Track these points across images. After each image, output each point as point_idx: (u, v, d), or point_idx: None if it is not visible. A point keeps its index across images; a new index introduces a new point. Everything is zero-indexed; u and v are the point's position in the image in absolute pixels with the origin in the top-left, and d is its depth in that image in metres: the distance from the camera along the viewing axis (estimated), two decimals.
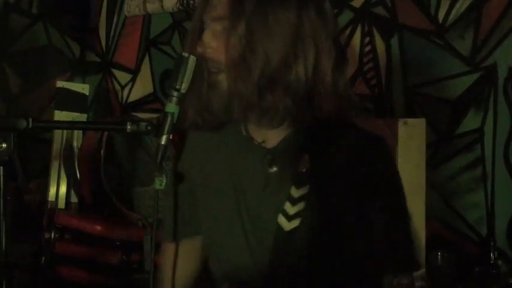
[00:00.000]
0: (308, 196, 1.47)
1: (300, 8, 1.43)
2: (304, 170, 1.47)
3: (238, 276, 1.57)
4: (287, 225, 1.47)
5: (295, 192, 1.47)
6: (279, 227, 1.48)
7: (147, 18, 4.53)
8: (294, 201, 1.47)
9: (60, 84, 4.29)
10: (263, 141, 1.54)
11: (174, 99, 1.58)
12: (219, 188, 1.59)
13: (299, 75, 1.42)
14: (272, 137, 1.53)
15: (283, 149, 1.52)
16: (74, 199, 4.13)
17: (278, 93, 1.42)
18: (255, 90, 1.42)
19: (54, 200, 4.08)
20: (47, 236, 3.82)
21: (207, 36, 1.49)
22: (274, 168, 1.50)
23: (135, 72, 4.63)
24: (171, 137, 1.58)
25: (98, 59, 4.90)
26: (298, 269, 1.47)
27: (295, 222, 1.47)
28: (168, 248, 1.76)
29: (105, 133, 3.64)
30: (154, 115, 4.35)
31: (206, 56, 1.49)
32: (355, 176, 1.46)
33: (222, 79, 1.48)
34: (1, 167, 1.46)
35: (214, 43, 1.48)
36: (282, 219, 1.48)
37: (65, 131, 4.16)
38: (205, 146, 1.66)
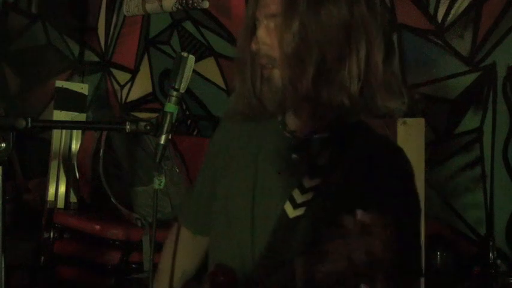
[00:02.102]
0: (318, 188, 1.48)
1: (351, 3, 1.45)
2: (321, 164, 1.48)
3: (232, 259, 1.58)
4: (291, 212, 1.49)
5: (306, 182, 1.49)
6: (284, 213, 1.49)
7: (146, 18, 4.53)
8: (303, 190, 1.49)
9: (59, 83, 4.29)
10: (295, 130, 1.56)
11: (173, 98, 1.58)
12: (240, 168, 1.61)
13: (352, 69, 1.43)
14: (305, 127, 1.55)
15: (309, 140, 1.54)
16: (73, 199, 4.13)
17: (333, 88, 1.43)
18: (311, 86, 1.43)
19: (53, 199, 4.08)
20: (46, 235, 3.83)
21: (261, 33, 1.50)
22: (294, 156, 1.52)
23: (134, 72, 4.64)
24: (170, 137, 1.58)
25: (97, 59, 4.90)
26: (291, 257, 1.47)
27: (300, 211, 1.48)
28: (184, 234, 1.80)
29: (104, 133, 3.64)
30: (154, 115, 4.35)
31: (261, 52, 1.50)
32: (368, 184, 1.45)
33: (276, 74, 1.49)
34: (0, 167, 1.46)
35: (269, 40, 1.49)
36: (288, 205, 1.49)
37: (64, 130, 4.16)
38: (235, 133, 1.67)
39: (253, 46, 1.51)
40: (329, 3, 1.43)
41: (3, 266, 1.45)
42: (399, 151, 1.55)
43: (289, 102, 1.48)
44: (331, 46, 1.43)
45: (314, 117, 1.51)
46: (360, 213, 1.13)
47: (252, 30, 1.52)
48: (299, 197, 1.49)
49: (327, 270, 1.08)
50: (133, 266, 3.38)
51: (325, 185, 1.47)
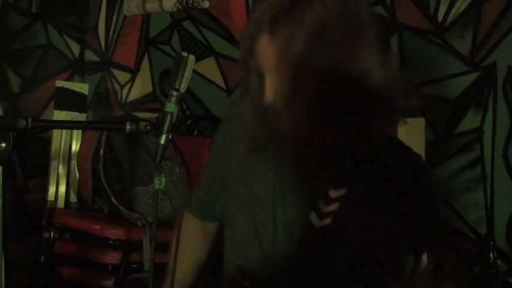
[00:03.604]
0: (343, 198, 1.47)
1: (342, 44, 1.40)
2: (344, 172, 1.46)
3: (249, 264, 1.59)
4: (318, 223, 1.48)
5: (332, 193, 1.47)
6: (309, 222, 1.49)
7: (147, 18, 4.53)
8: (329, 201, 1.48)
9: (59, 83, 4.29)
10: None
11: (174, 98, 1.58)
12: (260, 175, 1.60)
13: (356, 92, 1.40)
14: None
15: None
16: (73, 199, 4.13)
17: (335, 123, 1.40)
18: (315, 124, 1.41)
19: (53, 199, 4.08)
20: (46, 235, 3.82)
21: (268, 92, 1.46)
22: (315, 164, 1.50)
23: (134, 72, 4.64)
24: (170, 137, 1.58)
25: (97, 59, 4.90)
26: (320, 264, 1.49)
27: (327, 221, 1.47)
28: (191, 221, 1.83)
29: (105, 133, 3.64)
30: (154, 114, 4.35)
31: (276, 103, 1.47)
32: (392, 192, 1.45)
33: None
34: (0, 167, 1.46)
35: (277, 93, 1.46)
36: (313, 216, 1.48)
37: (64, 130, 4.16)
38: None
39: (267, 100, 1.47)
40: (324, 49, 1.39)
41: (3, 265, 1.45)
42: (419, 160, 1.55)
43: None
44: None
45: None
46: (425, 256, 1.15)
47: (259, 83, 1.48)
48: (324, 207, 1.47)
49: None
50: (134, 265, 3.38)
51: (350, 196, 1.46)
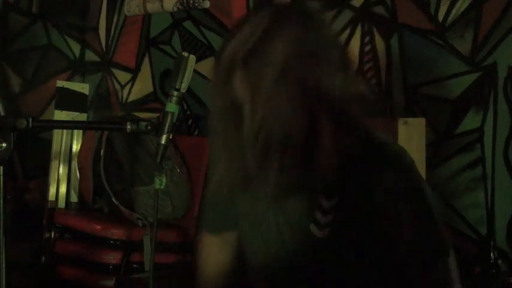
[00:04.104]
0: (336, 208, 1.52)
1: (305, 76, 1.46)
2: (333, 184, 1.50)
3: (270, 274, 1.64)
4: (318, 233, 1.53)
5: (325, 203, 1.52)
6: (312, 234, 1.53)
7: (147, 18, 4.53)
8: (324, 212, 1.52)
9: (60, 83, 4.29)
10: None
11: (174, 98, 1.59)
12: (258, 190, 1.62)
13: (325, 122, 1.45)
14: None
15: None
16: (74, 199, 4.13)
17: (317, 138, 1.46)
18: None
19: (54, 199, 4.08)
20: (47, 235, 3.83)
21: (248, 120, 1.50)
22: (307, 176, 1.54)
23: (135, 72, 4.64)
24: (170, 137, 1.58)
25: (97, 59, 4.90)
26: (324, 272, 1.55)
27: (326, 231, 1.52)
28: (207, 239, 1.82)
29: (105, 133, 3.64)
30: (154, 114, 4.35)
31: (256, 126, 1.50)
32: (377, 192, 1.50)
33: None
34: (1, 167, 1.46)
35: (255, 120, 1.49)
36: (313, 228, 1.53)
37: (64, 130, 4.16)
38: None
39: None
40: (284, 91, 1.44)
41: (3, 265, 1.45)
42: (400, 156, 1.56)
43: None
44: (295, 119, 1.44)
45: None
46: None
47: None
48: (322, 218, 1.52)
49: None
50: (135, 266, 3.38)
51: (342, 205, 1.51)
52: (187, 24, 4.28)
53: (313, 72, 1.44)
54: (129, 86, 4.68)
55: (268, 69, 1.43)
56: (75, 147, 4.16)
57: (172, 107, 1.58)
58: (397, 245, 1.50)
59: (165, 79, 4.44)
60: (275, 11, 1.49)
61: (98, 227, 3.50)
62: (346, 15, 3.49)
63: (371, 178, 1.50)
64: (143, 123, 1.58)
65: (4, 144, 1.45)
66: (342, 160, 1.46)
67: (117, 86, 4.75)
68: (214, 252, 1.82)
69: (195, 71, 1.65)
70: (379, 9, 3.38)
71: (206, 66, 4.11)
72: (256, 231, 1.65)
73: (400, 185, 1.51)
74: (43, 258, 3.80)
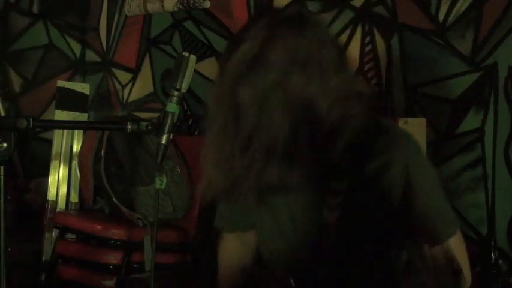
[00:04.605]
0: (346, 191, 1.58)
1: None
2: (340, 164, 1.56)
3: (285, 261, 1.69)
4: (330, 216, 1.58)
5: (335, 185, 1.58)
6: (323, 218, 1.58)
7: (148, 18, 4.53)
8: (334, 194, 1.58)
9: (60, 83, 4.29)
10: None
11: (175, 98, 1.59)
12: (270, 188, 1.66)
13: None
14: None
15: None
16: (74, 199, 4.14)
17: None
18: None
19: (54, 199, 4.08)
20: (47, 235, 3.83)
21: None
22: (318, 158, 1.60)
23: (135, 72, 4.64)
24: (171, 137, 1.58)
25: (98, 59, 4.90)
26: (334, 257, 1.59)
27: (336, 214, 1.57)
28: (227, 239, 1.86)
29: (106, 133, 3.64)
30: (155, 114, 4.35)
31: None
32: (395, 168, 1.58)
33: None
34: (1, 167, 1.46)
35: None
36: (325, 211, 1.58)
37: (65, 130, 4.16)
38: None
39: None
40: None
41: (4, 265, 1.45)
42: (402, 138, 1.65)
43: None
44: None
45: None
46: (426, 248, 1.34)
47: None
48: (332, 200, 1.58)
49: None
50: (135, 266, 3.38)
51: (351, 188, 1.58)
52: (188, 24, 4.29)
53: (307, 78, 1.50)
54: (129, 86, 4.68)
55: (268, 77, 1.49)
56: (76, 147, 4.16)
57: (172, 107, 1.58)
58: (414, 215, 1.60)
59: (165, 79, 4.44)
60: (272, 18, 1.57)
61: (99, 227, 3.50)
62: (347, 15, 3.49)
63: (388, 156, 1.58)
64: (144, 123, 1.58)
65: (5, 144, 1.45)
66: (350, 144, 1.52)
67: (118, 86, 4.75)
68: (234, 252, 1.85)
69: (195, 71, 1.65)
70: (380, 9, 3.38)
71: (207, 66, 4.12)
72: (273, 226, 1.69)
73: (417, 160, 1.62)
74: (43, 258, 3.80)
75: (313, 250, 1.61)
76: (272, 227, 1.70)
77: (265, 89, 1.49)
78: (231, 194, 1.61)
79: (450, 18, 3.14)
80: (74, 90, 4.26)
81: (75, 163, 4.11)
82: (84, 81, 4.79)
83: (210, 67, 4.12)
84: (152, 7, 4.41)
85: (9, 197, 1.49)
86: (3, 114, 4.47)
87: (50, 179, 4.11)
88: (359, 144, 1.55)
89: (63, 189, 4.10)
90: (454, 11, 3.13)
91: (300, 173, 1.52)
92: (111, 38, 4.80)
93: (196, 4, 4.13)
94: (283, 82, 1.49)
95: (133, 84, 4.66)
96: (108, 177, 3.63)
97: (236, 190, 1.58)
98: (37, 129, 4.30)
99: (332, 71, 1.53)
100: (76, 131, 4.18)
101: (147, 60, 4.56)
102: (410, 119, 2.91)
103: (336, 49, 1.59)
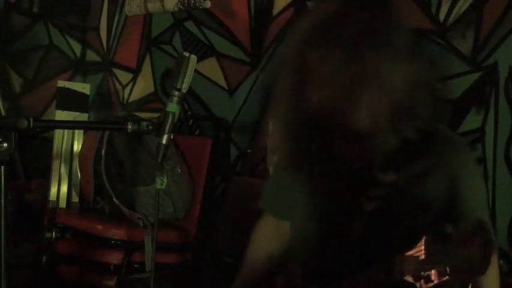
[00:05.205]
0: (393, 185, 1.57)
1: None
2: (394, 161, 1.56)
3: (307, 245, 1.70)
4: (367, 205, 1.58)
5: (381, 177, 1.58)
6: (359, 206, 1.58)
7: (148, 18, 4.53)
8: (378, 185, 1.57)
9: (61, 83, 4.29)
10: None
11: (175, 98, 1.59)
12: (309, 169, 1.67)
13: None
14: None
15: None
16: (75, 198, 4.14)
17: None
18: None
19: (55, 199, 4.08)
20: (47, 235, 3.83)
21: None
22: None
23: (136, 72, 4.64)
24: (171, 137, 1.59)
25: (99, 59, 4.90)
26: (370, 248, 1.58)
27: (375, 204, 1.57)
28: (267, 222, 1.88)
29: (106, 133, 3.64)
30: (155, 114, 4.35)
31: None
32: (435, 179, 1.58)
33: None
34: (2, 167, 1.46)
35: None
36: (362, 199, 1.58)
37: (66, 130, 4.16)
38: None
39: None
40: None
41: (4, 265, 1.45)
42: (457, 143, 1.66)
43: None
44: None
45: None
46: (461, 224, 1.30)
47: None
48: (373, 191, 1.58)
49: (428, 269, 1.27)
50: (136, 265, 3.38)
51: (399, 183, 1.57)
52: (188, 24, 4.28)
53: (377, 57, 1.48)
54: (130, 86, 4.68)
55: (337, 50, 1.48)
56: (76, 147, 4.17)
57: (173, 107, 1.58)
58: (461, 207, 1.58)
59: (166, 79, 4.44)
60: None
61: (99, 226, 3.50)
62: None
63: (436, 159, 1.58)
64: (144, 123, 1.58)
65: (5, 144, 1.45)
66: (405, 141, 1.51)
67: (118, 86, 4.75)
68: (267, 236, 1.87)
69: (196, 71, 1.65)
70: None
71: (207, 66, 4.12)
72: (305, 208, 1.69)
73: (469, 171, 1.62)
74: (44, 258, 3.80)
75: (344, 236, 1.61)
76: (306, 214, 1.70)
77: (336, 61, 1.48)
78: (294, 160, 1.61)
79: (450, 18, 3.14)
80: (74, 90, 4.26)
81: (75, 163, 4.11)
82: (84, 81, 4.79)
83: (210, 67, 4.13)
84: (153, 7, 4.41)
85: (9, 197, 1.50)
86: (3, 114, 4.47)
87: (51, 179, 4.11)
88: (413, 141, 1.53)
89: (64, 189, 4.10)
90: (454, 11, 3.13)
91: (354, 155, 1.51)
92: (112, 38, 4.80)
93: (197, 4, 4.13)
94: (356, 58, 1.47)
95: (133, 84, 4.66)
96: (109, 177, 3.64)
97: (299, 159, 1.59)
98: (38, 129, 4.31)
99: (405, 56, 1.51)
100: (77, 131, 4.19)
101: (147, 60, 4.56)
102: None
103: (408, 36, 1.57)
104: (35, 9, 4.71)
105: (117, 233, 3.42)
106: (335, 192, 1.62)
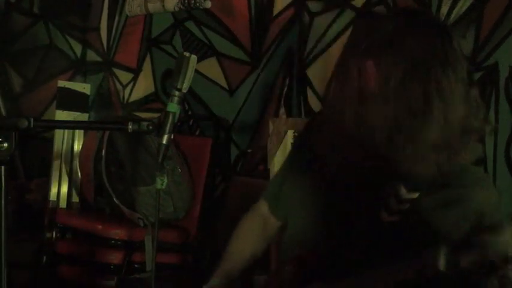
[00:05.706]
0: (416, 201, 1.58)
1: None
2: (420, 181, 1.58)
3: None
4: (387, 218, 1.58)
5: (405, 194, 1.59)
6: (378, 218, 1.59)
7: (149, 18, 4.53)
8: (400, 200, 1.59)
9: (61, 83, 4.29)
10: None
11: (176, 98, 1.58)
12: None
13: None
14: None
15: None
16: (75, 198, 4.13)
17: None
18: None
19: (55, 199, 4.08)
20: (48, 235, 3.83)
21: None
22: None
23: (136, 72, 4.64)
24: (172, 137, 1.58)
25: (99, 59, 4.90)
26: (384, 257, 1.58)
27: (395, 217, 1.58)
28: (261, 209, 1.90)
29: (107, 133, 3.64)
30: (156, 114, 4.35)
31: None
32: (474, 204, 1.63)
33: None
34: (2, 167, 1.46)
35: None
36: (383, 212, 1.59)
37: (66, 130, 4.16)
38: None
39: None
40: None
41: (4, 265, 1.45)
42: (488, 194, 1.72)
43: None
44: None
45: None
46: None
47: None
48: (395, 205, 1.59)
49: (471, 259, 1.32)
50: (136, 265, 3.38)
51: (421, 200, 1.58)
52: (189, 24, 4.29)
53: (446, 78, 1.53)
54: (130, 86, 4.69)
55: (398, 65, 1.53)
56: (77, 147, 4.16)
57: (173, 107, 1.58)
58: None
59: (166, 79, 4.44)
60: (409, 13, 1.62)
61: (100, 226, 3.50)
62: (348, 15, 3.49)
63: (467, 191, 1.61)
64: (144, 123, 1.58)
65: (5, 144, 1.45)
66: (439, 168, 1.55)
67: (119, 86, 4.76)
68: (257, 231, 1.89)
69: (196, 71, 1.65)
70: (381, 9, 3.37)
71: (207, 66, 4.12)
72: (316, 215, 1.70)
73: (496, 209, 1.69)
74: (44, 258, 3.80)
75: (360, 245, 1.62)
76: (316, 220, 1.71)
77: (392, 76, 1.52)
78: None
79: (451, 19, 3.14)
80: (74, 90, 4.25)
81: (76, 163, 4.11)
82: (85, 81, 4.79)
83: (211, 67, 4.13)
84: (153, 7, 4.41)
85: (9, 197, 1.49)
86: (3, 114, 4.47)
87: (51, 179, 4.11)
88: (446, 171, 1.56)
89: (64, 189, 4.10)
90: (454, 11, 3.13)
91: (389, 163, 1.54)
92: (112, 38, 4.80)
93: (197, 4, 4.13)
94: (409, 73, 1.51)
95: (134, 84, 4.66)
96: (109, 177, 3.64)
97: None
98: (38, 129, 4.31)
99: (464, 85, 1.56)
100: (77, 131, 4.18)
101: (147, 60, 4.56)
102: None
103: (466, 67, 1.60)
104: (35, 9, 4.71)
105: (117, 233, 3.42)
106: (355, 198, 1.64)
